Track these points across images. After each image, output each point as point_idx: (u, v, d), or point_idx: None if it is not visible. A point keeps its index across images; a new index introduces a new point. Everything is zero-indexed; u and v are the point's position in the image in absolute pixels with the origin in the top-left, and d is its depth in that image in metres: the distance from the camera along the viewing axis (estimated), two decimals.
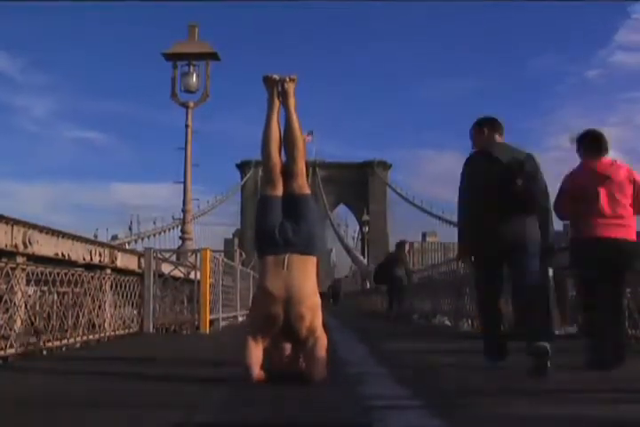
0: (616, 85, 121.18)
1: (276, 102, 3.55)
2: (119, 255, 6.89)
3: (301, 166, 3.42)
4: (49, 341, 5.05)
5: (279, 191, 3.38)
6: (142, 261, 7.77)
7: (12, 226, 4.52)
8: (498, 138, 4.17)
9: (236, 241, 49.98)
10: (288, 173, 3.40)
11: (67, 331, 5.45)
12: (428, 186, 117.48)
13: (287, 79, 3.57)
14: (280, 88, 3.57)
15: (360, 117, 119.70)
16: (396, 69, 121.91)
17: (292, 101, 3.54)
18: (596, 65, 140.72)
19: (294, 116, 3.50)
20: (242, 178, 65.98)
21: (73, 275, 5.59)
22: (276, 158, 3.44)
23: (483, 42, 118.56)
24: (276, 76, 3.57)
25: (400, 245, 14.16)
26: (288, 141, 3.45)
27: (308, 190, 3.44)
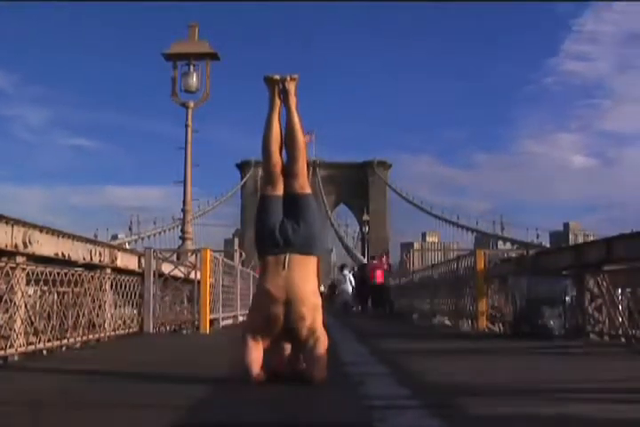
0: (573, 93, 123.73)
1: (277, 102, 3.55)
2: (119, 255, 6.89)
3: (302, 166, 3.42)
4: (49, 340, 5.06)
5: (279, 191, 3.38)
6: (142, 260, 7.77)
7: (13, 226, 4.51)
8: None
9: (236, 241, 50.07)
10: (288, 172, 3.40)
11: (67, 331, 5.45)
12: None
13: (288, 78, 3.57)
14: (281, 87, 3.57)
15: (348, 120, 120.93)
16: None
17: (293, 101, 3.53)
18: (549, 73, 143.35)
19: (295, 116, 3.50)
20: (242, 178, 65.97)
21: (73, 275, 5.59)
22: (277, 158, 3.44)
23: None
24: (277, 76, 3.57)
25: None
26: (289, 141, 3.45)
27: (308, 190, 3.44)
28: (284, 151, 3.49)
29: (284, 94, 3.55)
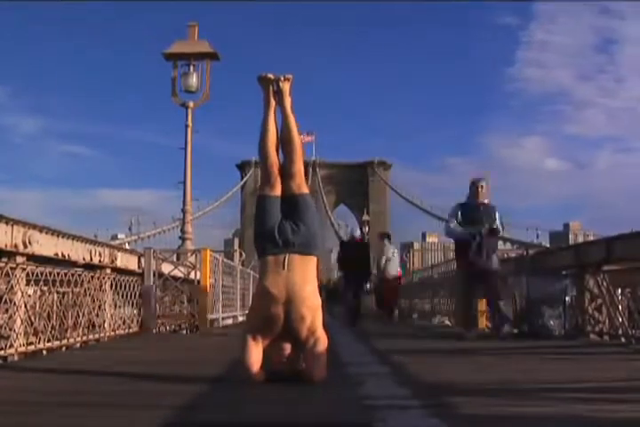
0: (536, 99, 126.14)
1: (272, 102, 3.54)
2: (119, 255, 6.89)
3: (299, 166, 3.42)
4: (49, 340, 5.06)
5: (278, 191, 3.38)
6: (142, 261, 7.78)
7: (12, 226, 4.51)
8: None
9: (236, 241, 50.08)
10: (286, 172, 3.40)
11: (67, 331, 5.45)
12: None
13: (282, 78, 3.56)
14: (275, 87, 3.56)
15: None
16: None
17: (287, 101, 3.52)
18: (509, 80, 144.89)
19: (290, 116, 3.49)
20: (242, 178, 66.01)
21: (73, 275, 5.59)
22: (274, 158, 3.44)
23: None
24: (270, 76, 3.56)
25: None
26: (285, 141, 3.45)
27: (306, 190, 3.44)
28: (281, 151, 3.49)
29: (279, 94, 3.54)
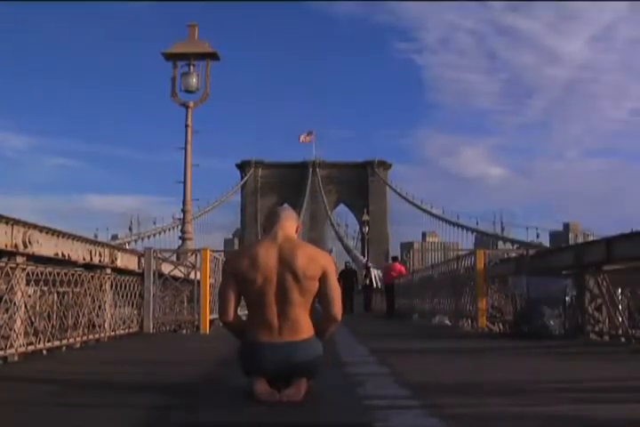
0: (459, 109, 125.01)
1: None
2: (119, 255, 6.88)
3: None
4: (49, 340, 5.05)
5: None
6: (142, 261, 7.77)
7: (12, 226, 4.51)
8: None
9: (236, 241, 50.05)
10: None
11: (67, 331, 5.45)
12: None
13: None
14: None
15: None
16: None
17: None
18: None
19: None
20: (242, 178, 65.98)
21: (73, 275, 5.59)
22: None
23: None
24: None
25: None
26: None
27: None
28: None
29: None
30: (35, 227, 4.84)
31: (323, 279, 2.88)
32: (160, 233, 36.48)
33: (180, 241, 12.82)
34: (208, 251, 8.52)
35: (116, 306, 6.84)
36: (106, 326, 6.42)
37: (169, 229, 35.46)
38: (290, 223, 2.99)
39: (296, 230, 3.03)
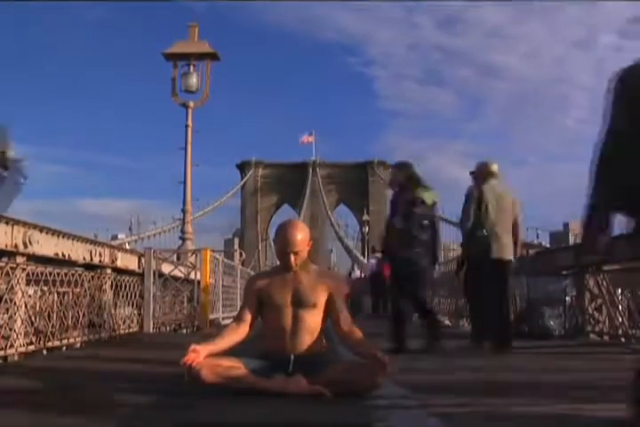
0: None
1: None
2: (119, 255, 6.89)
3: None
4: (49, 340, 5.06)
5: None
6: (142, 261, 7.78)
7: (12, 226, 4.51)
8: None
9: (236, 241, 50.01)
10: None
11: (67, 330, 5.45)
12: None
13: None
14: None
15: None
16: None
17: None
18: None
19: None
20: (242, 178, 66.00)
21: (73, 275, 5.59)
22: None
23: None
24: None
25: None
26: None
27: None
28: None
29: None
30: (35, 227, 4.84)
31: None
32: (160, 233, 36.41)
33: (180, 241, 12.84)
34: (208, 251, 8.53)
35: (116, 306, 6.84)
36: (106, 326, 6.42)
37: (169, 230, 35.37)
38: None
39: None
